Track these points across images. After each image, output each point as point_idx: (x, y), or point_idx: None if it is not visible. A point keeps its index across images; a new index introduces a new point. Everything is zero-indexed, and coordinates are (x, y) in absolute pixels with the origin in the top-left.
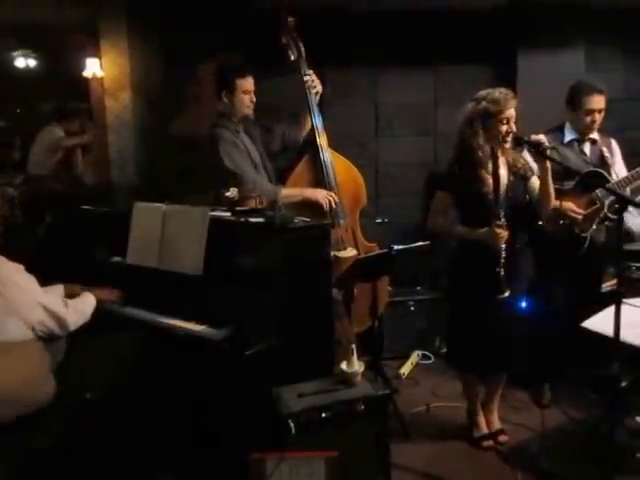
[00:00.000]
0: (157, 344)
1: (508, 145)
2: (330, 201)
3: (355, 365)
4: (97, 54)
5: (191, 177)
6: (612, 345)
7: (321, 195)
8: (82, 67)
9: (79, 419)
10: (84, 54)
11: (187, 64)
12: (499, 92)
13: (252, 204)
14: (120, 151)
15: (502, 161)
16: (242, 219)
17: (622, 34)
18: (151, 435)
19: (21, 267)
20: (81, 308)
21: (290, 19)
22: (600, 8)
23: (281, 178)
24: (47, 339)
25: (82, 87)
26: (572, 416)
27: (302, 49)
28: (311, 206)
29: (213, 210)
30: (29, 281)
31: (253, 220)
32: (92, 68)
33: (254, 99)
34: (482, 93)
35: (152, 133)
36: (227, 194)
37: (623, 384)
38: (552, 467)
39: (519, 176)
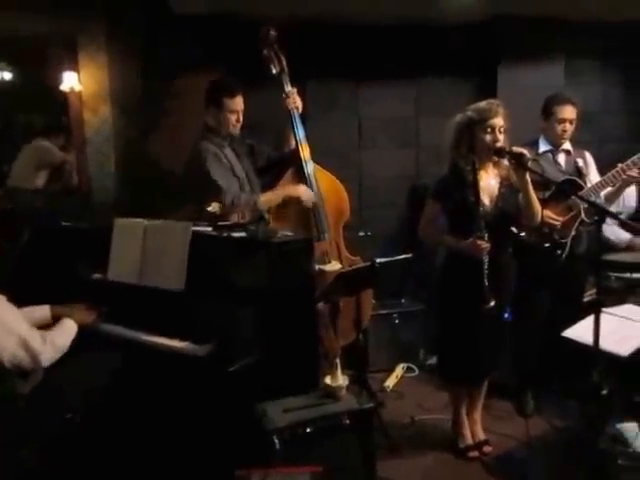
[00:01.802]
0: (139, 361)
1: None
2: (311, 197)
3: (339, 379)
4: (75, 68)
5: (173, 191)
6: (592, 353)
7: (302, 190)
8: (60, 81)
9: (59, 440)
10: (62, 68)
11: (168, 78)
12: (486, 102)
13: (234, 219)
14: (100, 165)
15: (494, 172)
16: (224, 234)
17: (601, 48)
18: (134, 453)
19: (3, 298)
20: (60, 343)
21: (272, 32)
22: (580, 22)
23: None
24: (14, 370)
25: (60, 101)
26: (555, 425)
27: (284, 63)
28: (296, 219)
29: (195, 225)
30: (10, 311)
31: (235, 235)
32: (70, 82)
33: (241, 119)
34: (471, 105)
35: (132, 147)
36: (209, 209)
37: (604, 392)
38: (537, 476)
39: (512, 188)
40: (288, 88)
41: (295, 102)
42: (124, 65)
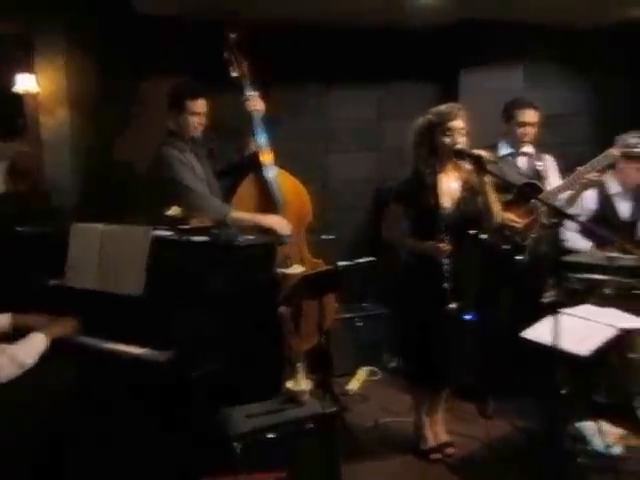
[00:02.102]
0: (98, 369)
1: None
2: (286, 228)
3: (302, 383)
4: (32, 69)
5: (133, 195)
6: (552, 354)
7: (274, 221)
8: (16, 83)
9: (16, 451)
10: (18, 69)
11: (130, 80)
12: (446, 105)
13: (195, 222)
14: (57, 168)
15: (455, 175)
16: (185, 238)
17: (560, 52)
18: (95, 461)
19: None
20: (21, 358)
21: (232, 35)
22: (539, 26)
23: (226, 196)
24: None
25: (16, 103)
26: (517, 425)
27: (244, 66)
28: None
29: (155, 229)
30: None
31: (197, 239)
32: (26, 84)
33: (203, 121)
34: (432, 109)
35: (91, 150)
36: (169, 212)
37: (564, 392)
38: (499, 477)
39: (472, 191)
40: (249, 92)
41: (255, 105)
42: (83, 66)
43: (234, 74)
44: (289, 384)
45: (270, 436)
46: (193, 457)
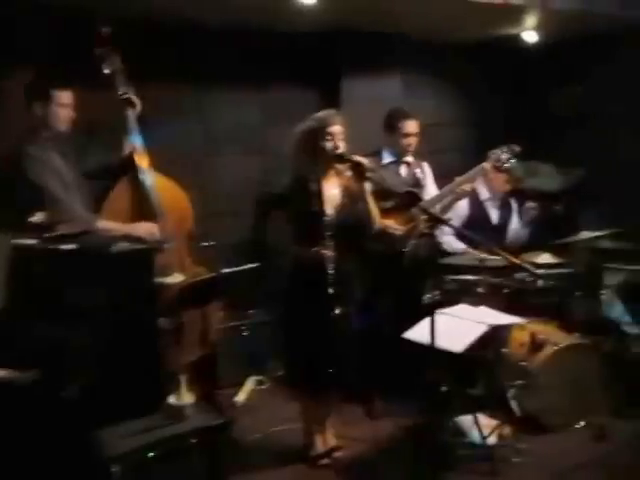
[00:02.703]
0: None
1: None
2: (154, 234)
3: (185, 397)
4: None
5: None
6: (431, 352)
7: (143, 230)
8: None
9: None
10: None
11: None
12: (324, 112)
13: (63, 229)
14: None
15: (336, 182)
16: (51, 246)
17: (433, 64)
18: None
19: None
20: None
21: (104, 30)
22: (415, 38)
23: (98, 201)
24: None
25: None
26: (403, 424)
27: (117, 63)
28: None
29: (17, 237)
30: None
31: (64, 247)
32: None
33: (72, 114)
34: (312, 115)
35: None
36: (33, 219)
37: (443, 389)
38: (388, 477)
39: (353, 197)
40: (122, 89)
41: (129, 104)
42: None
43: (107, 70)
44: (171, 398)
45: (151, 455)
46: None
